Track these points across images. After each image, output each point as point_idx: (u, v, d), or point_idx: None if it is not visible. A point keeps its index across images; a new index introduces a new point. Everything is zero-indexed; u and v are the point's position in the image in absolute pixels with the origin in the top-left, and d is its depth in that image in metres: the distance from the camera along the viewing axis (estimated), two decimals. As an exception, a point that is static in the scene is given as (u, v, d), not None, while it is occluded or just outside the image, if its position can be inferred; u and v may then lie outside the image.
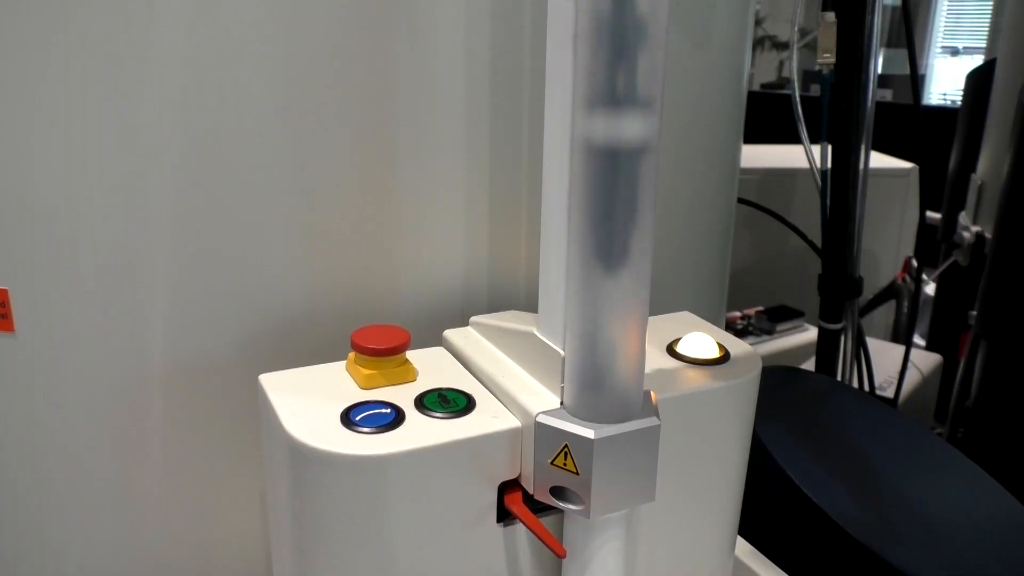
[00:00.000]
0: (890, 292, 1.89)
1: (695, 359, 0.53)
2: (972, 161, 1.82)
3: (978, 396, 1.51)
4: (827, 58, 0.91)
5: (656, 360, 0.53)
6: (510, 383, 0.48)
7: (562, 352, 0.45)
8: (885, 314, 1.97)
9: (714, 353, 0.54)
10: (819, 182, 1.00)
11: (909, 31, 1.00)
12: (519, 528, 0.48)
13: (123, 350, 0.56)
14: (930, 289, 2.02)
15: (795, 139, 1.72)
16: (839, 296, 1.02)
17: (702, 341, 0.54)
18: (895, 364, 1.50)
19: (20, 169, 0.52)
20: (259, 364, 0.53)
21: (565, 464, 0.44)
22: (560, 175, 0.44)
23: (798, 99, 0.99)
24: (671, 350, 0.55)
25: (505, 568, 0.48)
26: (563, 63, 0.42)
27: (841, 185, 0.95)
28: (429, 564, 0.46)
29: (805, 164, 1.94)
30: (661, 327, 0.57)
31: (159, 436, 0.58)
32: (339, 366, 0.51)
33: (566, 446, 0.44)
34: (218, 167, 0.53)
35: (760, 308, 1.66)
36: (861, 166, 0.97)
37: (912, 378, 1.55)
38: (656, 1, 0.38)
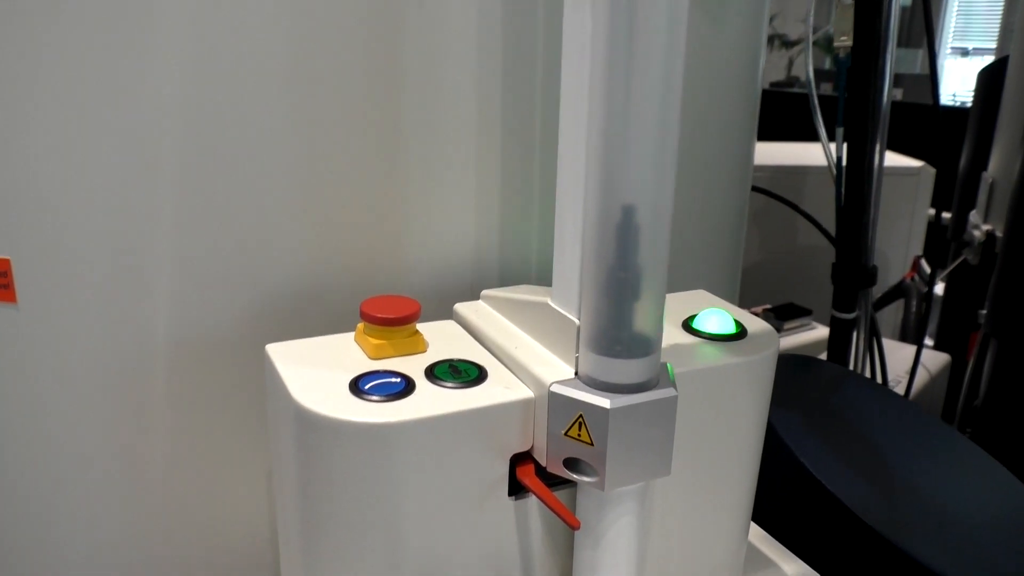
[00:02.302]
0: (899, 291, 1.88)
1: (712, 335, 0.52)
2: (983, 159, 1.81)
3: (987, 395, 1.50)
4: (844, 41, 0.90)
5: (672, 336, 0.52)
6: (523, 354, 0.47)
7: (577, 321, 0.44)
8: (893, 313, 1.95)
9: (731, 329, 0.53)
10: (834, 169, 0.98)
11: (930, 29, 0.99)
12: (531, 502, 0.47)
13: (127, 322, 0.55)
14: (939, 288, 2.01)
15: (805, 137, 1.71)
16: (853, 285, 1.01)
17: (719, 317, 0.53)
18: (904, 363, 1.48)
19: (21, 137, 0.51)
20: (266, 339, 0.51)
21: (579, 435, 0.43)
22: (576, 136, 0.42)
23: (812, 74, 0.98)
24: (687, 326, 0.53)
25: (516, 542, 0.47)
26: (581, 22, 0.41)
27: (856, 173, 0.94)
28: (439, 537, 0.45)
29: (816, 162, 1.94)
30: (677, 304, 0.56)
31: (163, 412, 0.57)
32: (347, 337, 0.50)
33: (580, 416, 0.42)
34: (224, 137, 0.52)
35: (768, 306, 1.65)
36: (876, 155, 0.96)
37: (920, 377, 1.54)
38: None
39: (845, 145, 0.99)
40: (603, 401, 0.42)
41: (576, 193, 0.43)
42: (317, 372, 0.46)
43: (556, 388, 0.43)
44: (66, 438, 0.57)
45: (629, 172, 0.41)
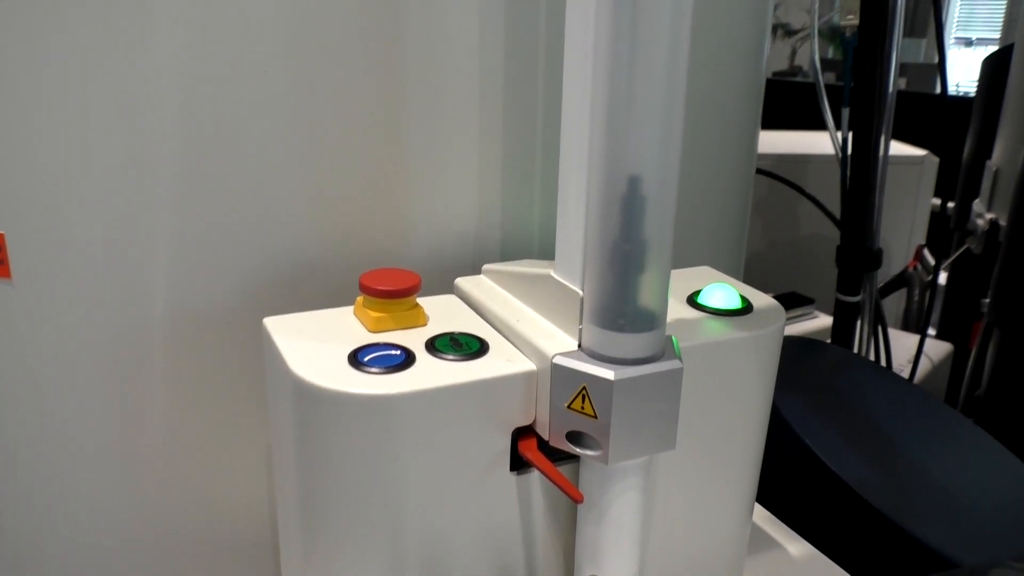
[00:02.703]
0: (901, 280, 1.87)
1: (717, 309, 0.51)
2: (987, 148, 1.80)
3: (989, 385, 1.50)
4: (850, 19, 0.88)
5: (676, 310, 0.51)
6: (525, 327, 0.46)
7: (580, 292, 0.43)
8: (896, 303, 1.94)
9: (736, 304, 0.52)
10: (839, 152, 0.97)
11: (938, 14, 0.98)
12: (533, 477, 0.46)
13: (124, 298, 0.54)
14: (941, 278, 2.00)
15: (808, 126, 1.69)
16: (857, 268, 1.00)
17: (724, 292, 0.52)
18: (907, 352, 1.48)
19: (15, 111, 0.50)
20: (264, 314, 0.51)
21: (583, 408, 0.42)
22: (581, 105, 0.42)
23: (817, 50, 0.97)
24: (692, 301, 0.53)
25: (518, 517, 0.46)
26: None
27: (862, 153, 0.93)
28: (440, 512, 0.44)
29: (818, 150, 1.92)
30: (681, 280, 0.55)
31: (161, 388, 0.56)
32: (346, 310, 0.49)
33: (584, 388, 0.42)
34: (223, 110, 0.51)
35: (770, 295, 1.64)
36: (883, 137, 0.95)
37: (922, 367, 1.53)
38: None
39: (850, 129, 0.98)
40: (607, 373, 0.41)
41: (580, 163, 0.42)
42: (315, 345, 0.45)
43: (559, 360, 0.42)
44: (62, 415, 0.56)
45: (635, 141, 0.40)
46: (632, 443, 0.42)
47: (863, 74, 0.93)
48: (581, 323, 0.43)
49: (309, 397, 0.42)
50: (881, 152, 0.94)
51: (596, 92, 0.39)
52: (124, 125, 0.50)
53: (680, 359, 0.43)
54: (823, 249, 1.52)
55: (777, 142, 1.97)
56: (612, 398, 0.41)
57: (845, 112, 0.94)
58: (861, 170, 0.94)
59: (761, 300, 0.53)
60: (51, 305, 0.54)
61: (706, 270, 0.58)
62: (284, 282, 0.54)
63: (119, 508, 0.58)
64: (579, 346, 0.43)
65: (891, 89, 0.96)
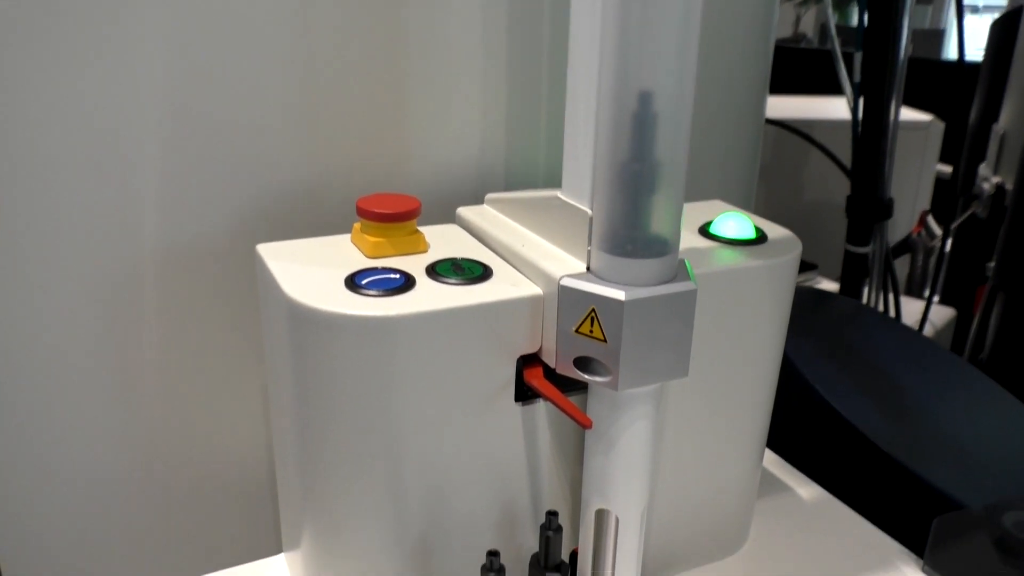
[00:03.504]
0: (905, 246, 1.85)
1: (731, 239, 0.49)
2: (994, 111, 1.77)
3: (992, 349, 1.48)
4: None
5: (688, 240, 0.49)
6: (531, 251, 0.44)
7: (589, 212, 0.41)
8: (900, 268, 1.93)
9: (750, 233, 0.50)
10: (851, 99, 0.95)
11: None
12: (539, 408, 0.44)
13: (113, 230, 0.52)
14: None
15: (813, 92, 1.66)
16: (868, 218, 0.97)
17: (737, 221, 0.50)
18: (911, 317, 1.46)
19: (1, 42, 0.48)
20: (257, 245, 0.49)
21: (591, 331, 0.40)
22: (591, 16, 0.39)
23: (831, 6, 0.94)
24: (704, 231, 0.50)
25: (523, 449, 0.44)
26: None
27: (875, 100, 0.90)
28: (442, 443, 0.42)
29: (823, 115, 1.89)
30: (692, 212, 0.53)
31: (154, 323, 0.54)
32: (343, 238, 0.47)
33: (593, 310, 0.40)
34: (214, 32, 0.48)
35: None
36: (893, 104, 0.92)
37: (926, 332, 1.52)
38: None
39: (862, 73, 0.95)
40: (618, 293, 0.39)
41: (590, 77, 0.40)
42: (311, 269, 0.43)
43: (567, 282, 0.40)
44: (56, 353, 0.54)
45: (647, 54, 0.37)
46: (643, 369, 0.40)
47: (875, 19, 0.90)
48: (590, 244, 0.41)
49: (305, 321, 0.40)
50: (894, 102, 0.92)
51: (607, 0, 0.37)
52: (109, 51, 0.48)
53: (694, 282, 0.41)
54: (826, 215, 1.50)
55: (783, 107, 1.94)
56: (623, 320, 0.39)
57: (858, 56, 0.92)
58: (873, 114, 0.91)
59: (776, 231, 0.51)
60: (38, 241, 0.52)
61: (717, 203, 0.56)
62: (279, 213, 0.52)
63: (114, 445, 0.56)
64: (587, 269, 0.41)
65: (905, 37, 0.93)
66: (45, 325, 0.54)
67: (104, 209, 0.51)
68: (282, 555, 0.54)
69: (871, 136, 0.92)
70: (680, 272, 0.41)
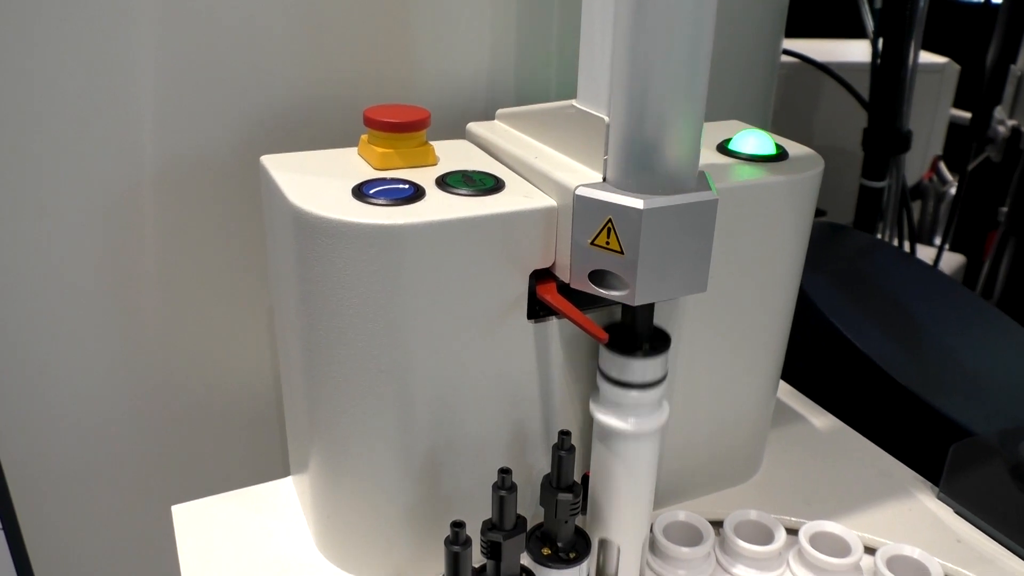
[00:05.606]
0: (916, 192, 1.82)
1: (750, 155, 0.48)
2: (1012, 53, 1.73)
3: (1002, 295, 1.47)
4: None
5: (706, 156, 0.47)
6: (544, 163, 0.42)
7: (606, 119, 0.39)
8: (910, 215, 1.90)
9: (770, 150, 0.48)
10: (871, 29, 0.92)
11: None
12: (551, 326, 0.43)
13: (111, 147, 0.50)
14: (954, 189, 1.95)
15: (830, 35, 1.61)
16: (885, 151, 0.95)
17: (757, 138, 0.48)
18: (921, 263, 1.44)
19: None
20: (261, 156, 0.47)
21: (608, 243, 0.38)
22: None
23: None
24: (723, 148, 0.49)
25: (535, 368, 0.43)
26: None
27: (897, 26, 0.87)
28: (452, 359, 0.41)
29: (836, 58, 1.85)
30: (710, 131, 0.51)
31: (155, 245, 0.53)
32: (350, 150, 0.46)
33: (609, 221, 0.38)
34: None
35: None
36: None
37: (936, 278, 1.50)
38: None
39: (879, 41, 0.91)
40: (635, 202, 0.37)
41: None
42: (317, 180, 0.42)
43: (582, 191, 0.39)
44: (57, 275, 0.53)
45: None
46: (660, 282, 0.39)
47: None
48: (607, 153, 0.39)
49: (311, 230, 0.39)
50: (914, 28, 0.88)
51: None
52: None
53: (715, 192, 0.39)
54: (834, 162, 1.47)
55: (799, 49, 1.90)
56: (640, 230, 0.37)
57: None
58: (893, 45, 0.88)
59: (797, 148, 0.49)
60: (35, 159, 0.50)
61: (735, 123, 0.54)
62: (283, 127, 0.50)
63: (117, 367, 0.55)
64: (604, 179, 0.40)
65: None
66: (46, 245, 0.52)
67: (101, 122, 0.49)
68: (289, 478, 0.53)
69: (890, 67, 0.89)
70: (700, 182, 0.40)
